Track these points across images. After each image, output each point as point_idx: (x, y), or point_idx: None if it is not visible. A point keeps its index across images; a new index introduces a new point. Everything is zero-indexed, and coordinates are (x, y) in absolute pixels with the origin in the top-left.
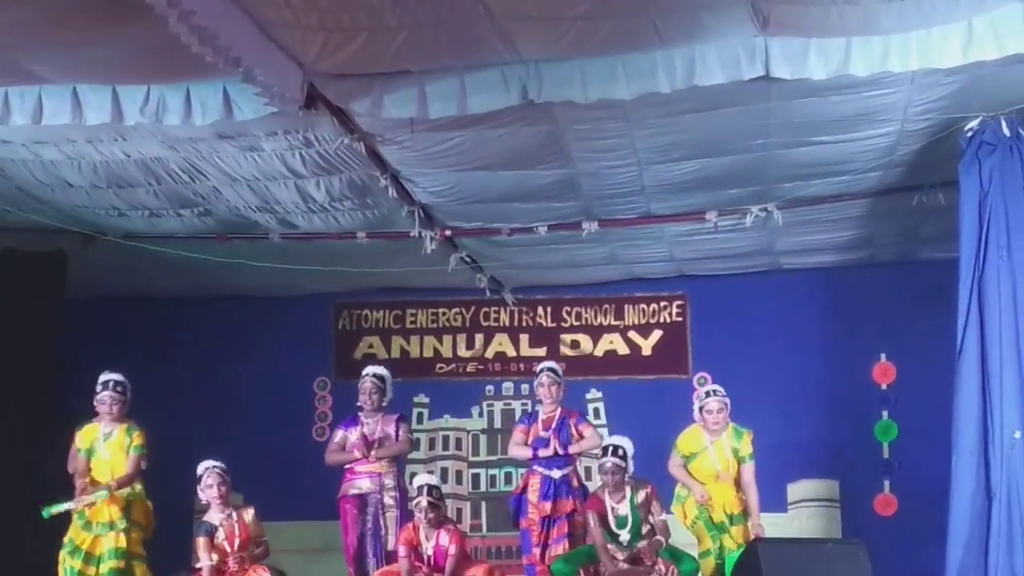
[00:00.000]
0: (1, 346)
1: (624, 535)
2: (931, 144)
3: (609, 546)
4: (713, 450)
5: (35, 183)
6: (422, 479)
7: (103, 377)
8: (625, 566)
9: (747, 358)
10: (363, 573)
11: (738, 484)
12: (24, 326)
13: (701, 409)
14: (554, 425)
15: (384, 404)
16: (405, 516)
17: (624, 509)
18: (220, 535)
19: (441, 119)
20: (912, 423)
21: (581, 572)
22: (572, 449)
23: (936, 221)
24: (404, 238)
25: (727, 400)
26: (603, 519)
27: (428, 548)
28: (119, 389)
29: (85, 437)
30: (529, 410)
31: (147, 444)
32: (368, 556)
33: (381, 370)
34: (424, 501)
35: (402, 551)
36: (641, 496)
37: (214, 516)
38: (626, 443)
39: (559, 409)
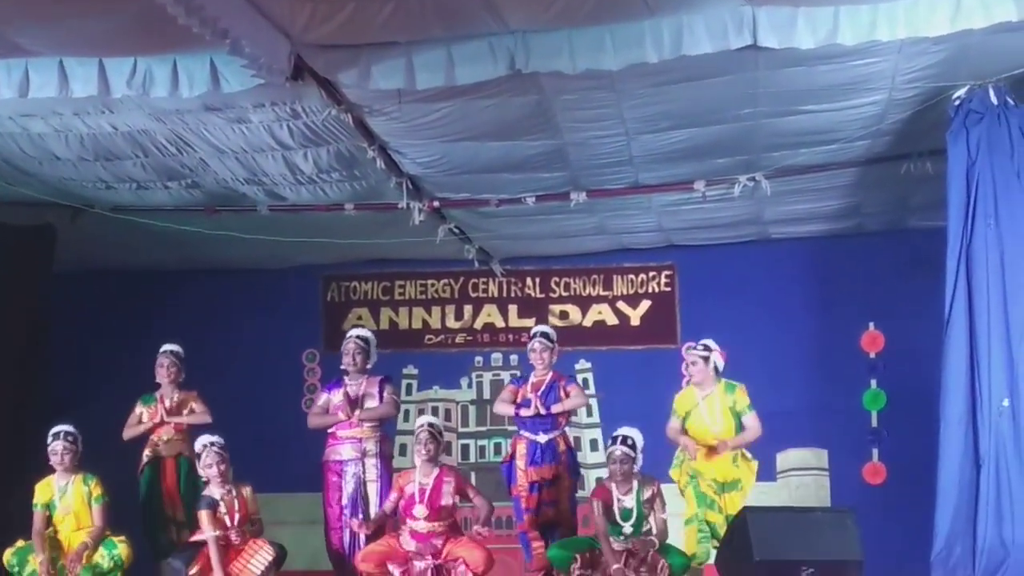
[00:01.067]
0: None
1: (627, 528)
2: (919, 113)
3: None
4: (704, 406)
5: (22, 156)
6: (424, 418)
7: (54, 429)
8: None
9: (736, 328)
10: (341, 543)
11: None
12: (12, 300)
13: (687, 365)
14: (542, 389)
15: (368, 367)
16: (387, 487)
17: (630, 502)
18: (221, 508)
19: (429, 90)
20: (900, 392)
21: (578, 558)
22: (554, 408)
23: (924, 190)
24: (392, 210)
25: (709, 353)
26: (607, 508)
27: (426, 483)
28: (69, 439)
29: (42, 492)
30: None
31: (106, 491)
32: (346, 527)
33: (364, 332)
34: (424, 433)
35: (392, 496)
36: (648, 493)
37: (215, 491)
38: (636, 434)
39: (551, 374)
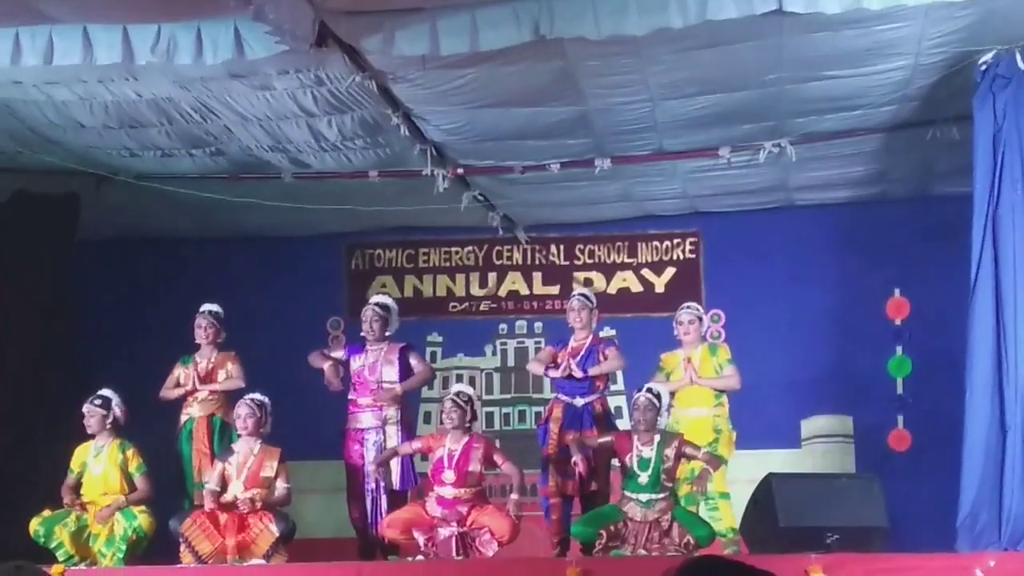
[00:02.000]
0: (14, 289)
1: (644, 477)
2: (945, 78)
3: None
4: (684, 363)
5: (47, 124)
6: (456, 387)
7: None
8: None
9: (761, 295)
10: (363, 512)
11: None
12: (37, 268)
13: (675, 322)
14: (581, 354)
15: (388, 334)
16: (409, 458)
17: (649, 452)
18: (232, 460)
19: (453, 56)
20: (926, 358)
21: (603, 533)
22: (592, 371)
23: (950, 155)
24: (416, 177)
25: (700, 315)
26: (625, 456)
27: (455, 449)
28: (97, 403)
29: (77, 456)
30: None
31: (144, 460)
32: (368, 495)
33: (384, 299)
34: (448, 402)
35: (415, 445)
36: (671, 446)
37: (240, 446)
38: (663, 389)
39: (591, 338)
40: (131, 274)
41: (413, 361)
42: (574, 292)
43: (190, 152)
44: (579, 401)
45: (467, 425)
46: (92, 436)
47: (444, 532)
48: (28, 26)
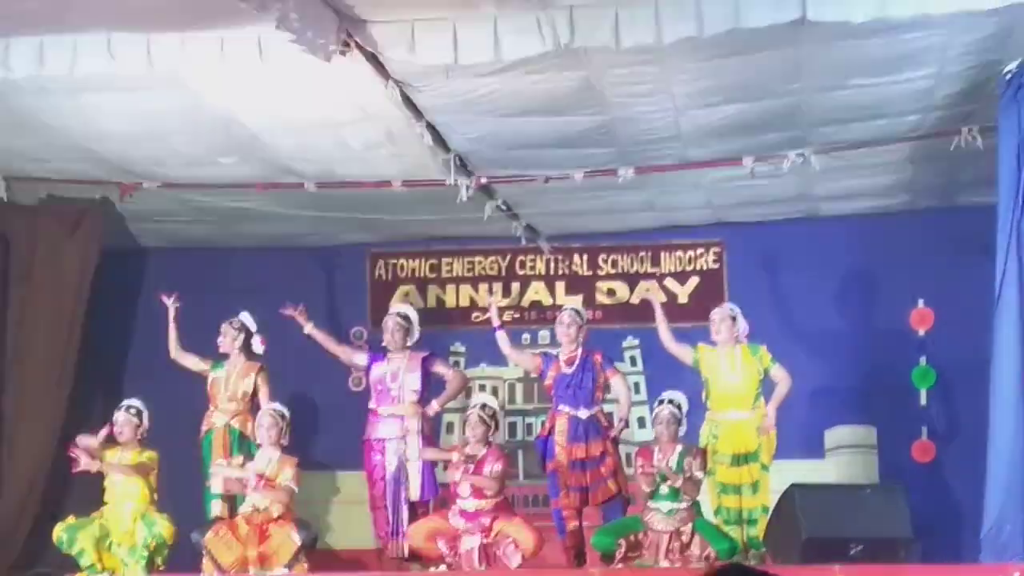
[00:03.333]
0: (41, 296)
1: (664, 488)
2: (970, 87)
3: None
4: (726, 361)
5: (72, 132)
6: (480, 397)
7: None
8: None
9: (784, 304)
10: (385, 521)
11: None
12: (63, 276)
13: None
14: (577, 361)
15: (409, 344)
16: (428, 466)
17: (672, 463)
18: (251, 469)
19: (476, 65)
20: (950, 369)
21: (622, 543)
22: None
23: (975, 165)
24: (439, 186)
25: (735, 314)
26: (647, 465)
27: (472, 464)
28: (132, 411)
29: (104, 451)
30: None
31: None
32: (390, 505)
33: (405, 308)
34: (474, 416)
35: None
36: (691, 457)
37: (260, 455)
38: (682, 398)
39: (581, 350)
40: (156, 282)
41: (441, 369)
42: (566, 306)
43: (215, 160)
44: (583, 413)
45: (489, 440)
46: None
47: (467, 543)
48: (53, 34)
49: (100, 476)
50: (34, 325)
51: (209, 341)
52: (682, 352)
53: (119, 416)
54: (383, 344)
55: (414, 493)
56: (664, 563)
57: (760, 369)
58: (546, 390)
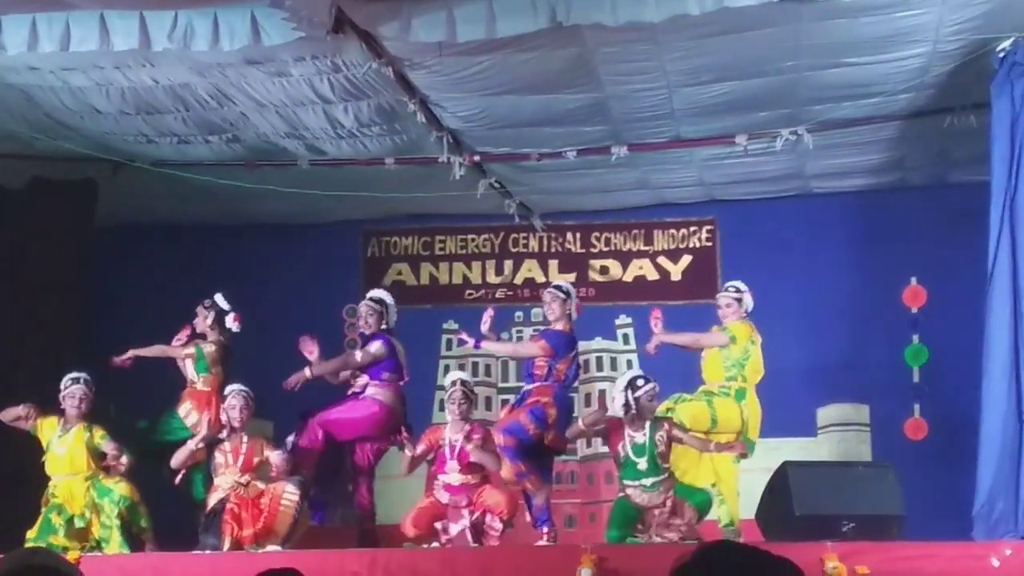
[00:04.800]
0: (31, 276)
1: (642, 464)
2: (963, 65)
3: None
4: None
5: (63, 110)
6: (456, 374)
7: (71, 374)
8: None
9: (777, 282)
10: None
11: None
12: (53, 255)
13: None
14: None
15: (384, 327)
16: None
17: (642, 438)
18: (226, 447)
19: (469, 43)
20: (943, 347)
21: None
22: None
23: (968, 143)
24: (432, 164)
25: (741, 295)
26: (617, 445)
27: (455, 441)
28: (90, 384)
29: (43, 432)
30: None
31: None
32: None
33: (379, 292)
34: (458, 392)
35: (420, 448)
36: (661, 430)
37: (233, 436)
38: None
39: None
40: (148, 261)
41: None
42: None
43: (206, 139)
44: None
45: (469, 414)
46: (61, 412)
47: (455, 528)
48: (45, 12)
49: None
50: (25, 305)
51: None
52: (717, 337)
53: (77, 390)
54: (359, 330)
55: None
56: (657, 539)
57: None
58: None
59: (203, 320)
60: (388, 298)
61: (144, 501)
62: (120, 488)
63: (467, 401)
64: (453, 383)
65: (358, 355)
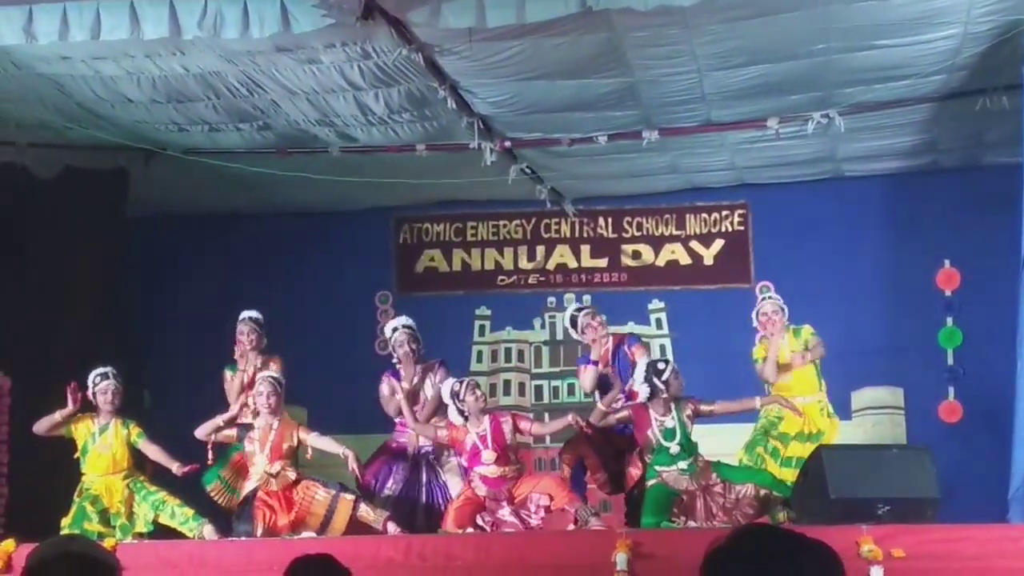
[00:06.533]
0: (63, 265)
1: (673, 447)
2: (994, 46)
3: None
4: (774, 352)
5: (95, 99)
6: (450, 381)
7: (99, 370)
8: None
9: (810, 266)
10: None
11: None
12: (86, 244)
13: (758, 314)
14: (610, 359)
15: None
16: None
17: (671, 422)
18: (254, 434)
19: (499, 28)
20: (977, 329)
21: (677, 515)
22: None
23: (1000, 125)
24: (463, 150)
25: (783, 304)
26: (645, 431)
27: (482, 430)
28: (120, 380)
29: (79, 434)
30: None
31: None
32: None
33: (405, 319)
34: (470, 390)
35: (441, 433)
36: (687, 410)
37: (260, 423)
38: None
39: (609, 340)
40: (179, 249)
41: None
42: (572, 310)
43: (237, 126)
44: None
45: (484, 407)
46: (93, 410)
47: (504, 516)
48: (76, 1)
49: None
50: (57, 294)
51: (235, 309)
52: (767, 372)
53: (108, 385)
54: (394, 362)
55: (454, 488)
56: (716, 523)
57: (806, 346)
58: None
59: (246, 339)
60: (412, 323)
61: (181, 500)
62: (160, 493)
63: (482, 396)
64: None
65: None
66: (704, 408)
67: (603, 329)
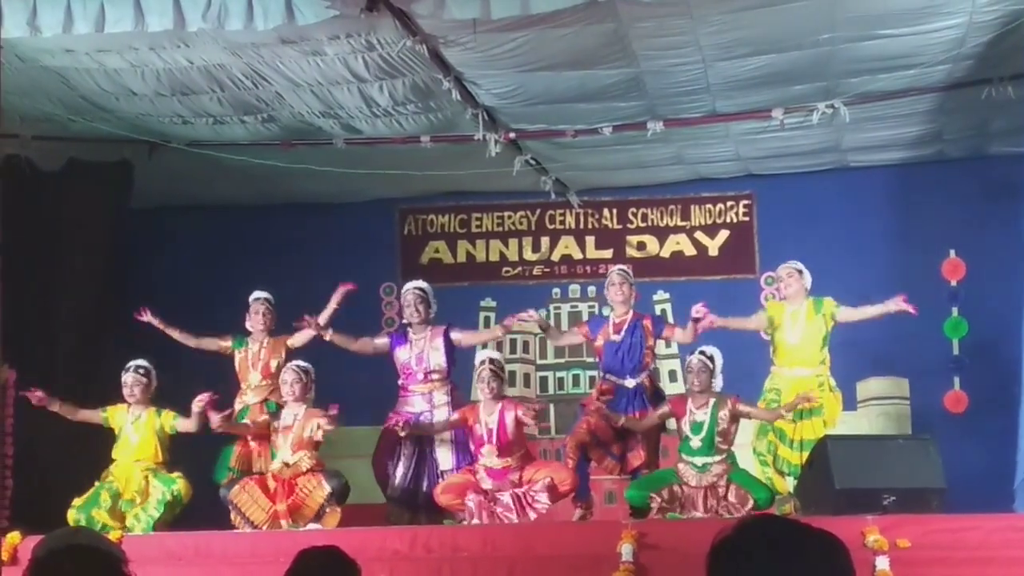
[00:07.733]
0: (68, 257)
1: (696, 442)
2: (1000, 36)
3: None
4: (790, 320)
5: (99, 92)
6: (485, 353)
7: (128, 364)
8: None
9: (815, 257)
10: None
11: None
12: (91, 236)
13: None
14: (626, 328)
15: (430, 316)
16: (461, 446)
17: (703, 416)
18: (277, 424)
19: (504, 19)
20: (982, 319)
21: (655, 497)
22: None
23: (1006, 115)
24: (468, 141)
25: (800, 269)
26: (682, 420)
27: (491, 422)
28: (141, 371)
29: (113, 416)
30: (596, 312)
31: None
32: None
33: (420, 282)
34: (486, 371)
35: (454, 417)
36: (725, 408)
37: (285, 412)
38: (716, 352)
39: (631, 313)
40: (183, 241)
41: (457, 335)
42: (613, 268)
43: (242, 119)
44: (630, 382)
45: (501, 393)
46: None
47: (504, 498)
48: None
49: (110, 433)
50: (62, 286)
51: (239, 301)
52: (758, 321)
53: (128, 377)
54: (404, 321)
55: (445, 463)
56: (698, 516)
57: (826, 324)
58: (596, 352)
59: (260, 319)
60: (429, 287)
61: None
62: (181, 484)
63: (498, 380)
64: (482, 362)
65: (379, 344)
66: (742, 409)
67: (622, 296)
